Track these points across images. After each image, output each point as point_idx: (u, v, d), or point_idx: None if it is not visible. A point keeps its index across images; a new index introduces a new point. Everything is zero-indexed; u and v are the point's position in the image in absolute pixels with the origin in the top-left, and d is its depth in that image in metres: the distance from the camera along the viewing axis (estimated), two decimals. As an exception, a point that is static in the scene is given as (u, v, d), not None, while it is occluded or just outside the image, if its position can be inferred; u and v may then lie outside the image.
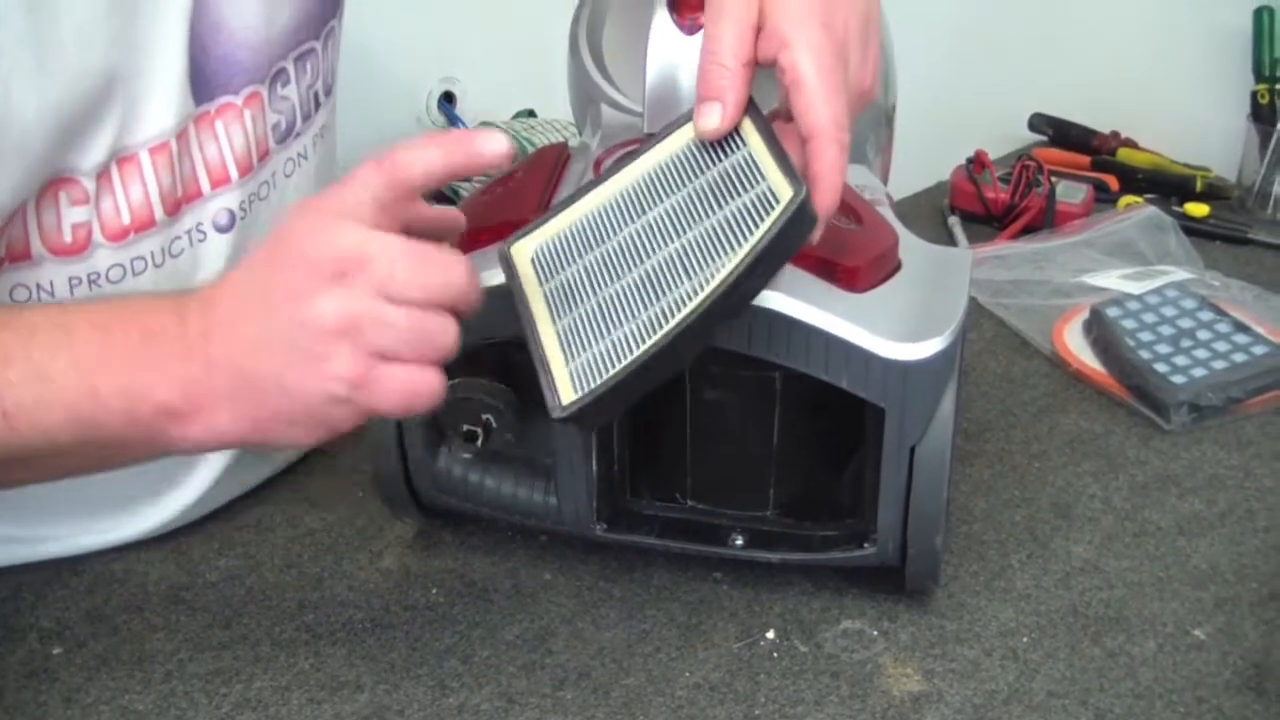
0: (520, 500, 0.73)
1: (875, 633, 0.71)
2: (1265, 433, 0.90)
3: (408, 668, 0.68)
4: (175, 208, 0.72)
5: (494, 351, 0.69)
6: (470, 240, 0.68)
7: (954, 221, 1.22)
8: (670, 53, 0.71)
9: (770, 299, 0.62)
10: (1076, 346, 0.99)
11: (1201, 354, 0.94)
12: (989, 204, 1.22)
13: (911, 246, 0.70)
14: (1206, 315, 0.98)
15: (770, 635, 0.70)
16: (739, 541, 0.72)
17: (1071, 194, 1.22)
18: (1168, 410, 0.90)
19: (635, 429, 0.72)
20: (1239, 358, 0.93)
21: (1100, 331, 0.98)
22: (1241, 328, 0.96)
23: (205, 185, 0.74)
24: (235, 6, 0.72)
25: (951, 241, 1.20)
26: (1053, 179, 1.22)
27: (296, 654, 0.69)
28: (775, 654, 0.69)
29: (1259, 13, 1.29)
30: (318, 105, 0.80)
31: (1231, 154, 1.32)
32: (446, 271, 0.57)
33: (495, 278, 0.64)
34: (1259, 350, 0.94)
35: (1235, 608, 0.73)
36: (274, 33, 0.75)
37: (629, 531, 0.72)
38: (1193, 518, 0.81)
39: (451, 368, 0.64)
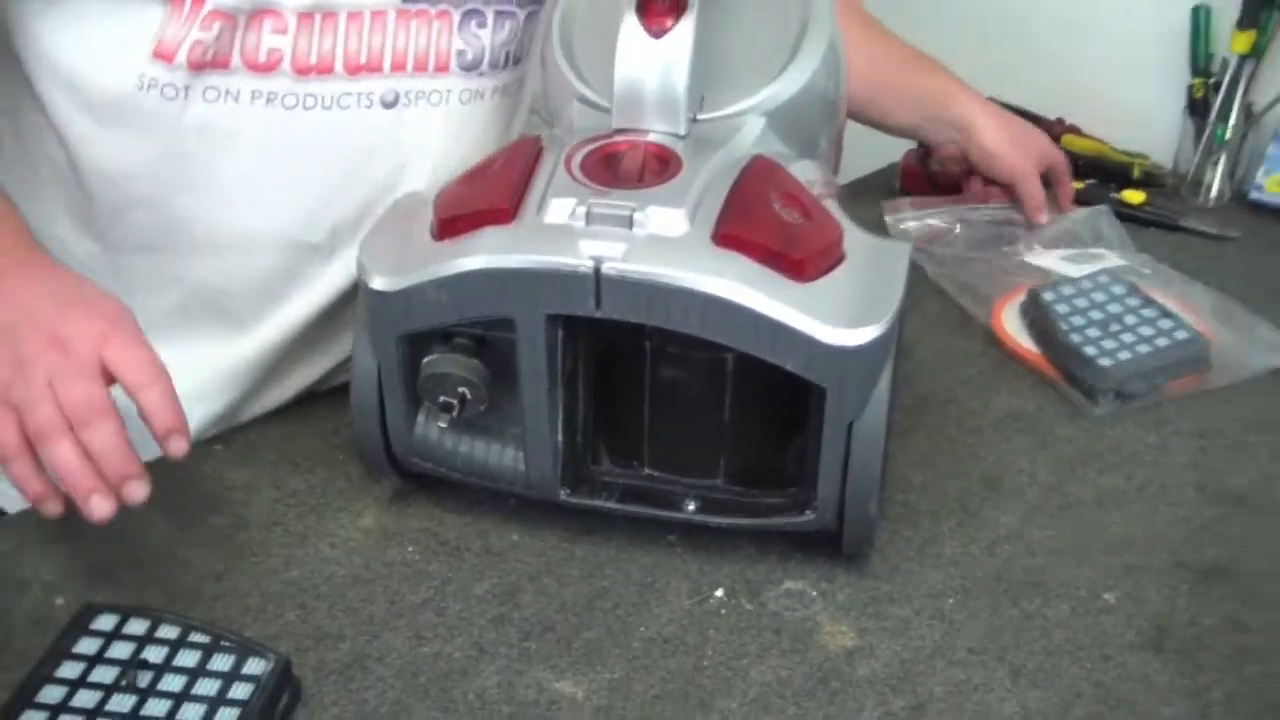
0: (491, 466, 0.79)
1: (814, 593, 0.77)
2: (1183, 414, 0.97)
3: (386, 620, 0.74)
4: (355, 69, 0.84)
5: (468, 331, 0.74)
6: (447, 226, 0.74)
7: (904, 202, 1.28)
8: (638, 55, 0.76)
9: (723, 287, 0.68)
10: (1014, 328, 1.06)
11: (1128, 338, 1.00)
12: (938, 186, 1.28)
13: (855, 238, 0.76)
14: (1134, 301, 1.04)
15: (719, 594, 0.77)
16: (691, 507, 0.78)
17: (1013, 179, 1.28)
18: (1095, 394, 0.96)
19: (598, 401, 0.78)
20: (1162, 342, 1.00)
21: (1035, 314, 1.05)
22: (1166, 314, 1.03)
23: (386, 63, 0.85)
24: None
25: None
26: (997, 165, 1.28)
27: (283, 606, 0.74)
28: (723, 611, 0.76)
29: (1195, 11, 1.36)
30: (507, 63, 0.91)
31: (1169, 143, 1.38)
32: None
33: (472, 263, 0.70)
34: (1180, 335, 1.00)
35: (1143, 574, 0.80)
36: None
37: (591, 496, 0.79)
38: (1112, 492, 0.88)
39: (431, 344, 0.69)
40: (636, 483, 0.80)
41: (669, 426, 0.79)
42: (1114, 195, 1.29)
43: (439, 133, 0.88)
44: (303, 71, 0.83)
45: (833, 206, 0.78)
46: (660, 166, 0.74)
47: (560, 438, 0.76)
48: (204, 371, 0.90)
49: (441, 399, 0.76)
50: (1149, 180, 1.34)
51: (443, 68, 0.88)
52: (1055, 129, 1.44)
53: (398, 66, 0.86)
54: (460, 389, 0.76)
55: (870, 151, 1.29)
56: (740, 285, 0.68)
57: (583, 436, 0.78)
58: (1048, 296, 1.05)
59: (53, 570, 0.77)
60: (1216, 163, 1.33)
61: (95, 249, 0.90)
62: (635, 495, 0.79)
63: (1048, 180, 1.23)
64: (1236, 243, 1.26)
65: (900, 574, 0.79)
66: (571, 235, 0.70)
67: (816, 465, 0.73)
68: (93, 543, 0.78)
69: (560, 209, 0.71)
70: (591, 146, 0.76)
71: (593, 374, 0.77)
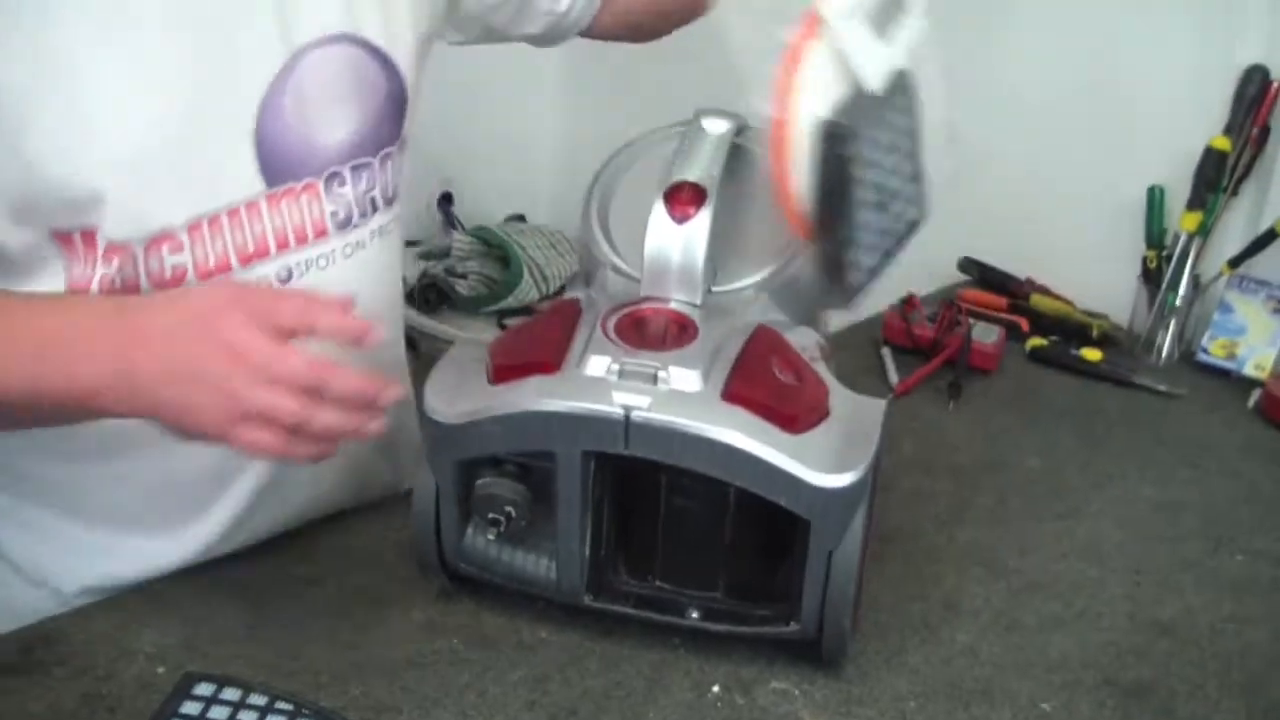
0: (526, 572, 0.93)
1: (797, 692, 0.91)
2: (1121, 549, 1.12)
3: (436, 698, 0.88)
4: (247, 259, 0.95)
5: (515, 459, 0.90)
6: (501, 372, 0.90)
7: (886, 353, 1.44)
8: (663, 236, 0.93)
9: (729, 436, 0.84)
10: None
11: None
12: (916, 339, 1.44)
13: (839, 396, 0.92)
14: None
15: (716, 689, 0.91)
16: (695, 615, 0.93)
17: (986, 334, 1.44)
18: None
19: (620, 522, 0.93)
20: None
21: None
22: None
23: (272, 247, 0.96)
24: (297, 117, 0.95)
25: (883, 370, 1.41)
26: (971, 320, 1.45)
27: (349, 683, 0.89)
28: (719, 704, 0.90)
29: (1151, 190, 1.53)
30: (375, 208, 1.03)
31: (1126, 306, 1.55)
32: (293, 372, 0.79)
33: (523, 405, 0.86)
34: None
35: (1077, 689, 0.94)
36: (331, 144, 0.98)
37: (610, 602, 0.93)
38: (1052, 617, 1.02)
39: (482, 469, 0.84)
40: (649, 592, 0.94)
41: (678, 546, 0.93)
42: (1074, 352, 1.46)
43: (335, 291, 0.89)
44: (205, 276, 0.93)
45: (822, 368, 0.94)
46: (680, 331, 0.90)
47: (587, 551, 0.91)
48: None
49: (490, 515, 0.91)
50: (1106, 339, 1.50)
51: (321, 233, 0.99)
52: (1025, 288, 1.61)
53: (282, 245, 0.97)
54: (506, 508, 0.91)
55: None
56: (743, 435, 0.84)
57: (606, 551, 0.93)
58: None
59: (155, 643, 0.91)
60: (1167, 326, 1.50)
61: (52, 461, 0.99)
62: (647, 602, 0.94)
63: None
64: (1183, 399, 1.42)
65: (870, 679, 0.93)
66: (606, 387, 0.85)
67: (801, 584, 0.88)
68: (188, 620, 0.93)
69: (597, 364, 0.86)
70: (623, 312, 0.92)
71: (616, 499, 0.92)
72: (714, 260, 0.94)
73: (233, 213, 0.94)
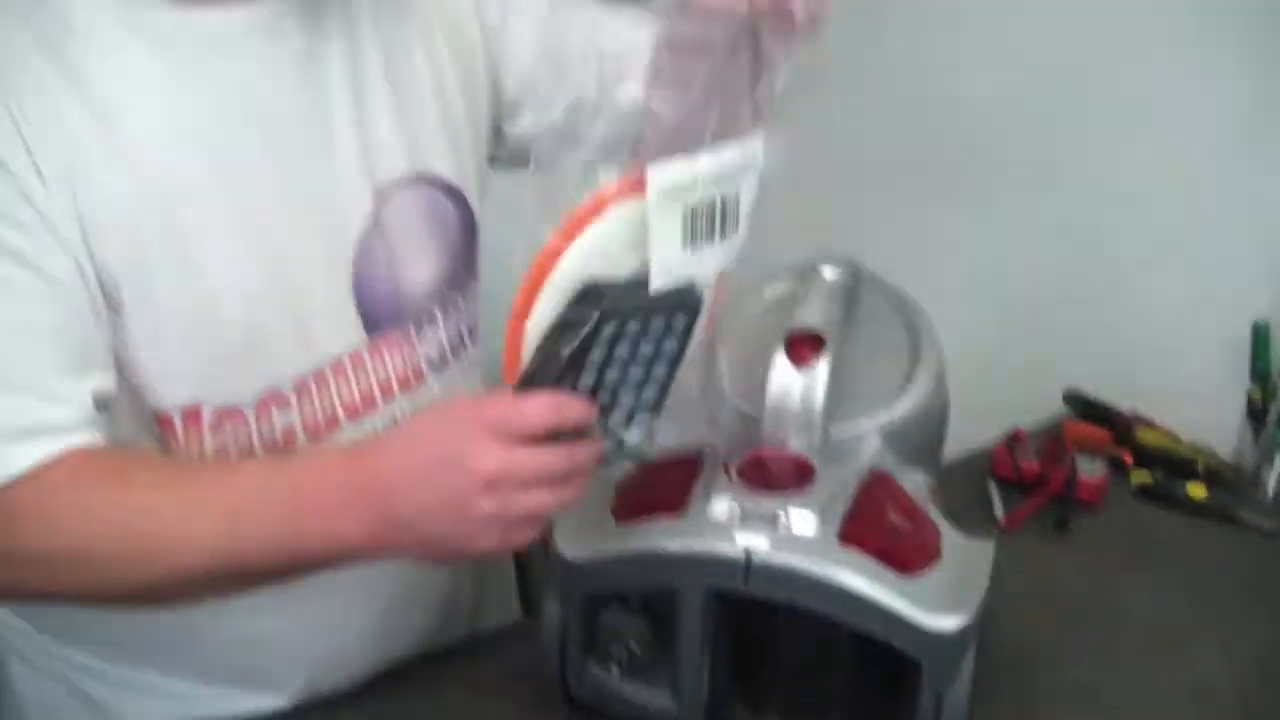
0: (646, 704, 0.97)
1: (906, 827, 0.94)
2: (1231, 690, 1.12)
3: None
4: (355, 414, 1.00)
5: (641, 598, 0.94)
6: (627, 512, 0.94)
7: (992, 487, 1.47)
8: (784, 383, 0.97)
9: (844, 578, 0.87)
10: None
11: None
12: (1022, 474, 1.46)
13: (950, 538, 0.95)
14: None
15: (828, 823, 0.94)
16: (809, 750, 0.96)
17: (1091, 469, 1.46)
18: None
19: (738, 659, 0.96)
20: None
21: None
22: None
23: (378, 398, 1.01)
24: (388, 263, 1.00)
25: (989, 503, 1.44)
26: (1076, 455, 1.47)
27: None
28: (831, 839, 0.92)
29: (1255, 326, 1.55)
30: (464, 344, 1.07)
31: (1231, 439, 1.56)
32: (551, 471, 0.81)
33: (648, 545, 0.90)
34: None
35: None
36: (420, 286, 1.03)
37: (727, 734, 0.97)
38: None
39: (607, 603, 0.89)
40: (764, 725, 0.98)
41: (794, 682, 0.97)
42: (1180, 488, 1.47)
43: None
44: (315, 433, 0.97)
45: (933, 511, 0.98)
46: (798, 474, 0.94)
47: (706, 686, 0.94)
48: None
49: (613, 648, 0.95)
50: (1212, 474, 1.51)
51: (420, 377, 1.03)
52: (1128, 420, 1.63)
53: (386, 394, 1.01)
54: (629, 643, 0.95)
55: (967, 431, 1.48)
56: (858, 577, 0.88)
57: (724, 686, 0.96)
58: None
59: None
60: (1273, 463, 1.50)
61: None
62: (763, 736, 0.97)
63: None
64: (1288, 538, 1.42)
65: (980, 818, 0.95)
66: (728, 528, 0.90)
67: (913, 722, 0.91)
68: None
69: (720, 506, 0.91)
70: (744, 454, 0.96)
71: (735, 636, 0.95)
72: (832, 405, 0.99)
73: (337, 366, 0.98)
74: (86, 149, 0.85)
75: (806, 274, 1.06)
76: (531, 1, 1.10)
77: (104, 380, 0.87)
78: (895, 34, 1.80)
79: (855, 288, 1.08)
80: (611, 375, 0.83)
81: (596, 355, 0.82)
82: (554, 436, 0.81)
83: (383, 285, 1.00)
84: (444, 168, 1.04)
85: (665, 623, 0.94)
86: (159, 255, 0.88)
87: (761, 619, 0.94)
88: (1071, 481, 1.44)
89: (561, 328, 0.80)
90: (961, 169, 1.84)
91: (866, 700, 0.96)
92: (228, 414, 0.93)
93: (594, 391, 0.83)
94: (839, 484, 0.94)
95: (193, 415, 0.93)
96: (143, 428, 0.92)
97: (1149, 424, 1.62)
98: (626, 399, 0.85)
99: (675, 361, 0.85)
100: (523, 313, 0.81)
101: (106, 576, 0.84)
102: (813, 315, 1.00)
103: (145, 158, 0.87)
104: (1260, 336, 1.55)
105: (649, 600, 0.95)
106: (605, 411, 0.85)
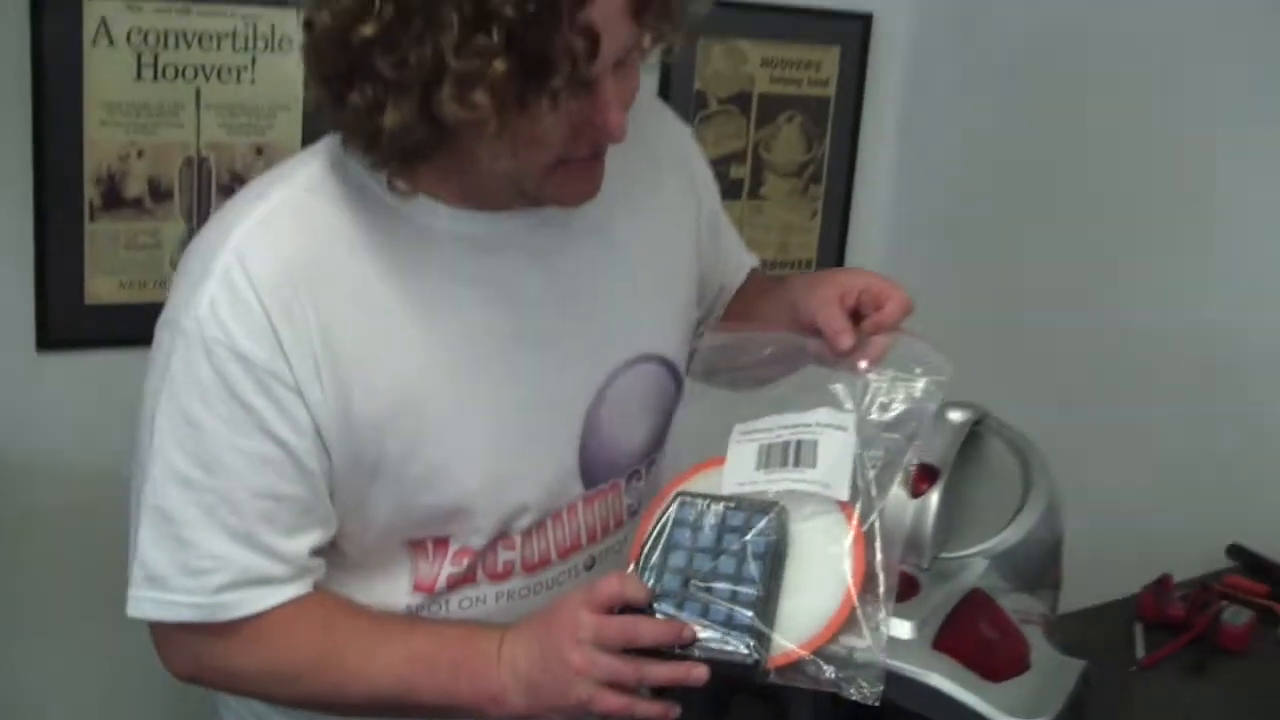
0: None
1: None
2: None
3: None
4: (564, 555, 1.18)
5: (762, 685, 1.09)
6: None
7: (1137, 629, 1.55)
8: (901, 508, 1.11)
9: (932, 679, 1.00)
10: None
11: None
12: (1168, 618, 1.54)
13: (1044, 654, 1.06)
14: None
15: None
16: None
17: (1236, 617, 1.52)
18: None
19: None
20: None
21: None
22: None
23: (584, 541, 1.19)
24: (610, 428, 1.18)
25: (1132, 644, 1.52)
26: (1223, 603, 1.53)
27: None
28: None
29: None
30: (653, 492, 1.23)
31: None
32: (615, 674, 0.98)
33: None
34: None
35: None
36: (635, 448, 1.21)
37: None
38: None
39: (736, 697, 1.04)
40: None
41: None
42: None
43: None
44: (530, 569, 1.16)
45: (1031, 630, 1.09)
46: (907, 588, 1.08)
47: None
48: None
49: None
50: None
51: (619, 524, 1.21)
52: (1288, 575, 1.68)
53: (591, 539, 1.19)
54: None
55: (1124, 577, 1.58)
56: (945, 679, 1.00)
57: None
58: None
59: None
60: None
61: None
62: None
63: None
64: None
65: None
66: (841, 633, 1.04)
67: (996, 817, 1.02)
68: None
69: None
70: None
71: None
72: (945, 527, 1.12)
73: (556, 516, 1.16)
74: (360, 355, 1.04)
75: (936, 416, 1.20)
76: (716, 228, 1.32)
77: (325, 534, 1.08)
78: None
79: (980, 430, 1.21)
80: (702, 563, 1.01)
81: (683, 535, 1.02)
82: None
83: (604, 450, 1.19)
84: (667, 348, 1.23)
85: (786, 713, 1.08)
86: (419, 435, 1.08)
87: (866, 715, 1.07)
88: (1215, 626, 1.51)
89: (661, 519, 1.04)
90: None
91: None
92: (466, 551, 1.13)
93: (687, 583, 1.00)
94: (941, 599, 1.07)
95: (441, 545, 1.14)
96: (398, 545, 1.13)
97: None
98: (722, 590, 0.99)
99: (767, 561, 1.00)
100: (649, 514, 1.06)
101: (301, 693, 1.09)
102: (930, 452, 1.14)
103: (411, 356, 1.06)
104: None
105: (770, 693, 1.09)
106: (701, 617, 0.99)
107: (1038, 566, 1.18)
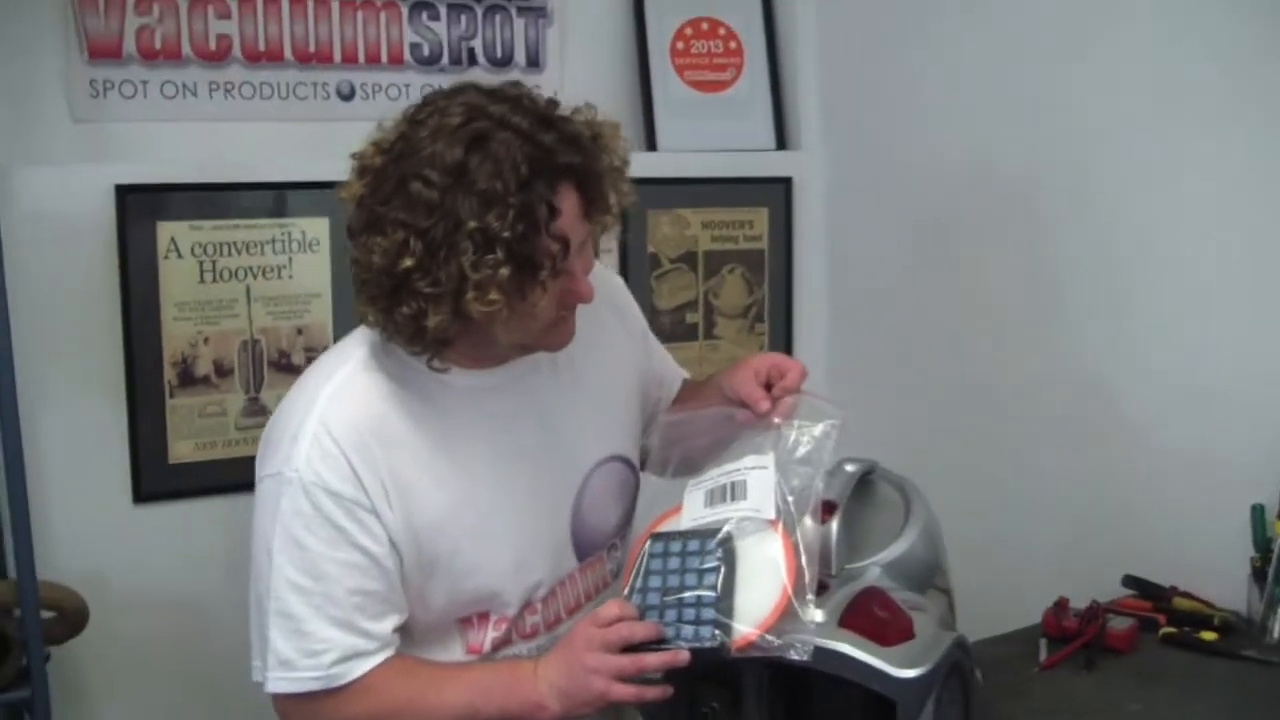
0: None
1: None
2: None
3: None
4: (571, 612, 1.57)
5: (720, 673, 1.45)
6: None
7: (1041, 642, 1.89)
8: (811, 534, 1.49)
9: (844, 648, 1.36)
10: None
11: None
12: (1064, 630, 1.89)
13: (924, 628, 1.42)
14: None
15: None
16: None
17: (1120, 624, 1.88)
18: None
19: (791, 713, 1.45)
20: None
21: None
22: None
23: (583, 599, 1.58)
24: (590, 516, 1.57)
25: (1036, 654, 1.86)
26: (1108, 615, 1.89)
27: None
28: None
29: (1253, 508, 1.96)
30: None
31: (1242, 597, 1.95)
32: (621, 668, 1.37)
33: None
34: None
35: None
36: (610, 528, 1.60)
37: (783, 770, 1.45)
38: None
39: (704, 677, 1.41)
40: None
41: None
42: (1195, 635, 1.87)
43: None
44: (549, 627, 1.54)
45: (918, 614, 1.45)
46: (820, 589, 1.44)
47: (766, 731, 1.43)
48: None
49: (702, 710, 1.45)
50: (1228, 627, 1.90)
51: (606, 584, 1.64)
52: (1171, 594, 2.04)
53: (588, 598, 1.60)
54: (714, 704, 1.45)
55: (1030, 607, 1.94)
56: (849, 646, 1.36)
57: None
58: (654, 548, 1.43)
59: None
60: (1275, 612, 1.89)
61: None
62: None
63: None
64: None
65: (962, 824, 1.39)
66: (769, 622, 1.40)
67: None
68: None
69: (763, 609, 1.42)
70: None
71: (780, 694, 1.44)
72: (845, 545, 1.49)
73: (561, 584, 1.56)
74: (415, 482, 1.43)
75: (836, 467, 1.58)
76: (649, 348, 1.74)
77: (401, 616, 1.46)
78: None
79: (873, 478, 1.60)
80: (673, 580, 1.39)
81: (658, 564, 1.40)
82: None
83: (588, 531, 1.59)
84: (625, 449, 1.64)
85: (736, 689, 1.44)
86: (460, 536, 1.47)
87: (799, 681, 1.43)
88: (1102, 633, 1.86)
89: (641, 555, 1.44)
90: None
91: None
92: (503, 619, 1.52)
93: (666, 596, 1.38)
94: (846, 594, 1.44)
95: (483, 618, 1.53)
96: (451, 623, 1.51)
97: (1188, 595, 2.02)
98: (690, 598, 1.37)
99: (721, 572, 1.36)
100: (633, 553, 1.46)
101: None
102: (831, 491, 1.52)
103: (449, 479, 1.46)
104: (1257, 517, 1.96)
105: (724, 674, 1.45)
106: (678, 621, 1.36)
107: (921, 571, 1.55)
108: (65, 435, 2.18)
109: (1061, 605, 1.94)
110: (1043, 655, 1.87)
